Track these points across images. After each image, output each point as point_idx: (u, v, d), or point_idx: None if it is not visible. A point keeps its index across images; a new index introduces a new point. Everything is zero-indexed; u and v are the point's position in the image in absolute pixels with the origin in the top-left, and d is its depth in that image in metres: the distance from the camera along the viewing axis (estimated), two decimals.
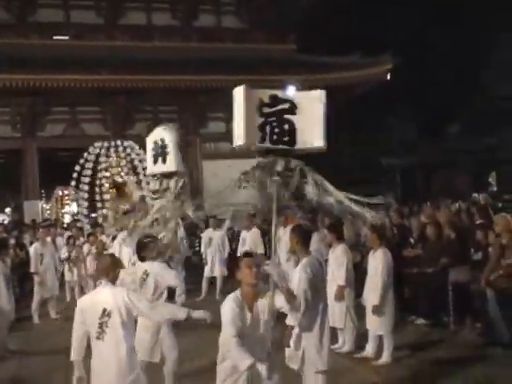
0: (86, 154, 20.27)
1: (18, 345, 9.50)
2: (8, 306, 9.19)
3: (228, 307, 4.54)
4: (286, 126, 4.53)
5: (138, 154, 20.26)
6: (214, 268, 13.55)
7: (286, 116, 4.52)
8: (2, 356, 8.96)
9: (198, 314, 4.91)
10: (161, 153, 7.05)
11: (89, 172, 20.17)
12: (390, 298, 7.91)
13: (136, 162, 20.18)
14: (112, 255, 5.67)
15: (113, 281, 5.01)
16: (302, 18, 26.99)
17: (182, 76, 22.81)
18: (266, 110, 4.46)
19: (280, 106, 4.51)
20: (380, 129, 31.34)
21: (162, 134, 7.13)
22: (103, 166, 20.47)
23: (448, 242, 9.73)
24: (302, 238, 5.99)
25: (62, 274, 14.21)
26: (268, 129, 4.44)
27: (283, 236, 11.62)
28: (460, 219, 11.47)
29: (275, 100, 4.53)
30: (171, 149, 6.93)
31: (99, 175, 20.44)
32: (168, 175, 7.10)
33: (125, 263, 11.35)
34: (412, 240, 10.67)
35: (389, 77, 24.81)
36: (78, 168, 20.08)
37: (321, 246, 10.03)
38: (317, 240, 10.25)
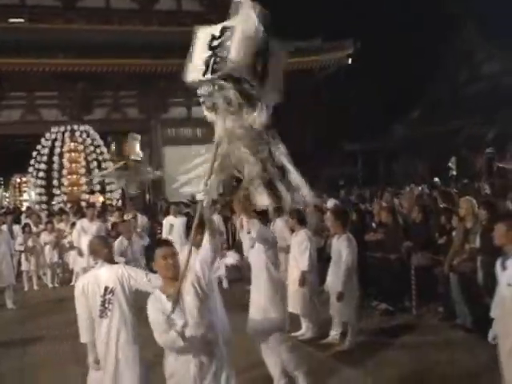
0: (42, 140, 19.87)
1: None
2: None
3: (150, 310, 4.05)
4: (225, 53, 3.84)
5: (93, 139, 19.94)
6: None
7: (228, 43, 3.87)
8: None
9: None
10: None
11: (45, 158, 19.80)
12: (354, 283, 7.83)
13: (91, 148, 19.88)
14: (99, 236, 5.66)
15: (107, 259, 5.10)
16: (263, 1, 26.76)
17: (142, 60, 22.44)
18: (215, 42, 3.98)
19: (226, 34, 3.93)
20: (342, 114, 31.42)
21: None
22: (60, 151, 20.13)
23: (412, 226, 9.73)
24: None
25: (19, 264, 13.89)
26: (212, 60, 3.90)
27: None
28: (424, 203, 11.49)
29: (224, 31, 3.97)
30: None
31: (56, 161, 20.09)
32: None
33: (84, 251, 11.18)
34: (374, 225, 10.66)
35: (350, 61, 24.83)
36: (34, 154, 19.69)
37: (284, 231, 9.90)
38: (280, 225, 10.15)
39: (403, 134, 31.78)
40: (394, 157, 33.03)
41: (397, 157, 32.91)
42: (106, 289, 4.89)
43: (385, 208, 10.60)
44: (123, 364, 4.91)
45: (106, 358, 4.94)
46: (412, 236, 9.44)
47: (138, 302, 4.99)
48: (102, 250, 5.14)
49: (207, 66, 3.88)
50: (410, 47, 31.78)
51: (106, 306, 4.89)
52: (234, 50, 3.77)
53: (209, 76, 3.88)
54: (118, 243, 9.65)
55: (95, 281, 4.98)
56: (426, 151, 30.47)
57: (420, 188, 15.21)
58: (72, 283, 13.07)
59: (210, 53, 3.91)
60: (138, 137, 19.48)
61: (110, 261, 5.16)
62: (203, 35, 4.06)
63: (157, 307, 3.99)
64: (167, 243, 4.34)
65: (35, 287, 13.51)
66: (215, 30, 4.00)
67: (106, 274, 4.99)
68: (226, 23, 3.98)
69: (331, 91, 29.64)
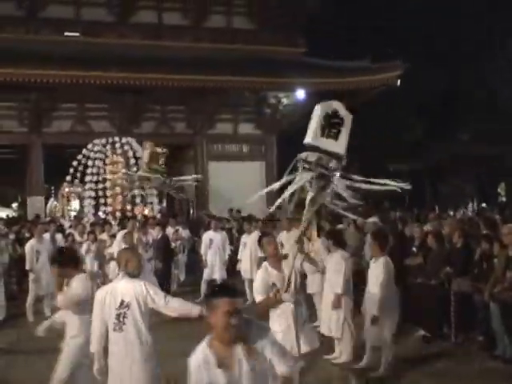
0: (84, 151, 20.21)
1: (8, 343, 9.34)
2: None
3: (191, 367, 3.23)
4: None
5: (135, 152, 20.16)
6: (213, 270, 13.33)
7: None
8: None
9: None
10: (332, 126, 5.53)
11: (90, 169, 20.09)
12: (391, 308, 7.63)
13: (132, 160, 20.08)
14: (132, 249, 5.63)
15: (130, 273, 5.05)
16: (312, 22, 26.86)
17: (191, 76, 22.66)
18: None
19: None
20: (387, 134, 31.11)
21: (336, 107, 5.60)
22: (103, 162, 20.42)
23: (453, 251, 9.49)
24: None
25: None
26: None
27: (286, 241, 11.39)
28: (465, 228, 11.21)
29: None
30: (345, 128, 5.57)
31: (101, 172, 20.38)
32: (328, 154, 5.44)
33: None
34: (414, 249, 10.43)
35: (399, 83, 24.58)
36: (75, 164, 20.04)
37: (322, 252, 9.79)
38: (317, 246, 10.05)
39: (451, 155, 31.19)
40: (441, 178, 32.45)
41: (444, 178, 32.31)
42: (121, 302, 4.88)
43: (432, 232, 10.36)
44: (136, 381, 4.91)
45: (122, 374, 4.93)
46: (452, 261, 9.19)
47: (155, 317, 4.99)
48: (128, 263, 5.11)
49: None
50: (457, 66, 31.33)
51: (121, 320, 4.88)
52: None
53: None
54: None
55: (113, 293, 4.99)
56: (473, 174, 29.83)
57: (462, 212, 14.83)
58: None
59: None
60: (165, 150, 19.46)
61: (134, 275, 5.09)
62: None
63: (200, 377, 3.17)
64: (233, 292, 3.23)
65: None
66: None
67: (124, 288, 4.98)
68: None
69: (376, 110, 29.39)
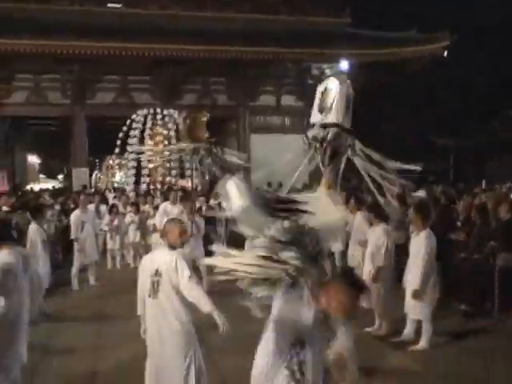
0: (129, 122, 20.35)
1: (54, 310, 9.56)
2: (44, 270, 9.23)
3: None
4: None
5: (176, 124, 20.16)
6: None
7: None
8: (37, 321, 9.02)
9: (218, 317, 4.84)
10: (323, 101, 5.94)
11: (134, 140, 20.23)
12: (432, 282, 7.54)
13: (171, 132, 20.11)
14: (175, 220, 5.62)
15: (170, 244, 5.12)
16: None
17: (234, 47, 22.54)
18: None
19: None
20: (437, 108, 30.50)
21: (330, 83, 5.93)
22: (148, 133, 20.54)
23: (498, 225, 9.30)
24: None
25: (104, 242, 14.32)
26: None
27: None
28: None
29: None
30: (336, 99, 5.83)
31: (145, 143, 20.51)
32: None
33: None
34: (459, 223, 10.25)
35: (445, 54, 24.02)
36: (121, 135, 20.19)
37: (363, 225, 9.71)
38: (360, 219, 9.97)
39: (501, 132, 30.39)
40: (489, 155, 31.69)
41: (492, 156, 31.56)
42: (156, 271, 5.00)
43: (476, 206, 10.16)
44: (168, 351, 5.01)
45: (153, 338, 5.09)
46: (498, 235, 9.00)
47: None
48: (169, 234, 5.17)
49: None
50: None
51: (155, 287, 5.01)
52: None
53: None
54: None
55: (151, 261, 5.15)
56: None
57: (508, 186, 14.46)
58: None
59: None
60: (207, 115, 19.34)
61: (174, 246, 5.15)
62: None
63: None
64: (357, 280, 3.26)
65: (118, 266, 13.92)
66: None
67: (160, 257, 5.12)
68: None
69: (425, 83, 28.80)
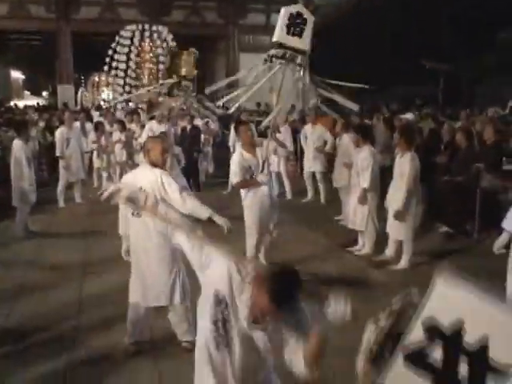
0: (117, 38, 19.93)
1: (40, 227, 9.64)
2: (30, 187, 9.22)
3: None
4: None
5: (166, 41, 19.80)
6: None
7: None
8: (23, 237, 9.12)
9: (219, 218, 4.88)
10: (297, 25, 6.72)
11: (122, 57, 19.86)
12: (414, 204, 7.64)
13: (159, 50, 19.76)
14: (159, 138, 5.58)
15: (152, 162, 5.10)
16: None
17: None
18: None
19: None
20: (426, 30, 29.91)
21: (301, 9, 6.75)
22: (136, 50, 20.16)
23: (482, 148, 9.34)
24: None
25: (91, 161, 14.26)
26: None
27: (312, 134, 11.33)
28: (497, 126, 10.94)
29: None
30: (308, 27, 6.67)
31: (132, 60, 20.15)
32: (294, 50, 6.75)
33: None
34: (442, 146, 10.27)
35: None
36: (110, 52, 19.81)
37: (350, 147, 9.73)
38: (346, 141, 9.97)
39: (492, 57, 29.96)
40: (480, 79, 31.36)
41: (482, 80, 31.22)
42: (139, 189, 4.91)
43: (461, 129, 10.15)
44: (154, 266, 5.08)
45: (138, 256, 5.14)
46: (482, 158, 9.05)
47: None
48: (151, 151, 5.12)
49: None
50: None
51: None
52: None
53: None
54: None
55: (134, 179, 5.06)
56: None
57: (493, 110, 14.40)
58: None
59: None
60: (196, 53, 19.04)
61: (155, 164, 5.09)
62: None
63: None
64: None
65: (104, 184, 13.89)
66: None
67: (142, 174, 5.06)
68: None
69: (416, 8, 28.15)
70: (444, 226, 9.39)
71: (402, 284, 7.04)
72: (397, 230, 7.71)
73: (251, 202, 6.95)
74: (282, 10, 6.42)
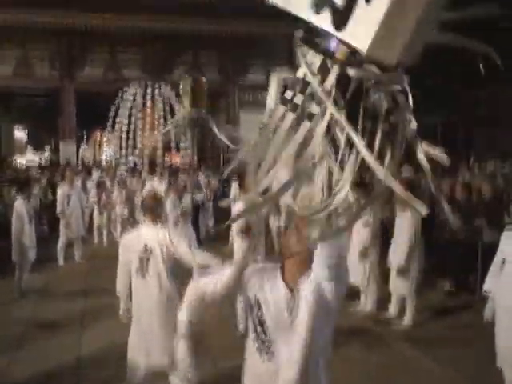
0: (120, 96, 20.20)
1: (39, 284, 9.58)
2: (30, 245, 9.21)
3: (253, 269, 3.08)
4: None
5: (168, 98, 20.06)
6: None
7: None
8: (22, 294, 9.05)
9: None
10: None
11: (124, 114, 20.08)
12: (416, 259, 7.61)
13: (162, 106, 20.03)
14: (156, 195, 5.49)
15: (154, 220, 5.04)
16: None
17: (224, 22, 22.38)
18: None
19: None
20: (419, 83, 30.35)
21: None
22: (138, 108, 20.38)
23: (484, 203, 9.35)
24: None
25: (91, 218, 14.27)
26: None
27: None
28: (496, 179, 10.99)
29: None
30: None
31: (134, 117, 20.36)
32: None
33: None
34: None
35: None
36: (112, 110, 20.04)
37: None
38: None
39: (486, 105, 30.29)
40: (476, 129, 31.63)
41: (479, 129, 31.49)
42: (145, 247, 4.87)
43: (460, 184, 10.19)
44: (156, 327, 4.93)
45: (142, 318, 4.98)
46: (483, 213, 9.06)
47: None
48: (152, 209, 5.07)
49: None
50: None
51: (144, 264, 4.89)
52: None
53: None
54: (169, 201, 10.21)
55: (137, 238, 4.99)
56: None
57: (493, 163, 14.51)
58: None
59: None
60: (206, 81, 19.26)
61: (156, 221, 5.06)
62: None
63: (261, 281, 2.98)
64: None
65: (104, 242, 13.87)
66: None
67: (147, 233, 4.97)
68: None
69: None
70: (446, 282, 9.32)
71: (404, 341, 6.96)
72: (400, 287, 7.66)
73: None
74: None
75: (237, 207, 6.89)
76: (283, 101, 2.32)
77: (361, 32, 2.06)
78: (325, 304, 2.78)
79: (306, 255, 2.79)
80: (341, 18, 2.10)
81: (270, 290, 2.93)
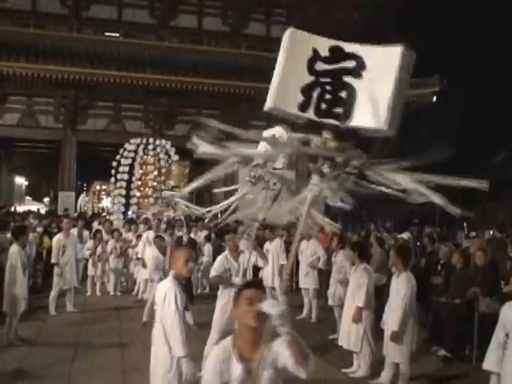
0: (122, 150, 20.45)
1: (29, 334, 9.43)
2: (21, 295, 9.11)
3: (211, 358, 3.13)
4: (344, 94, 2.92)
5: (167, 155, 20.39)
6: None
7: (347, 79, 2.91)
8: (11, 343, 8.91)
9: (188, 365, 4.72)
10: None
11: (125, 169, 20.32)
12: (411, 325, 7.53)
13: (162, 162, 20.31)
14: (186, 250, 5.40)
15: (175, 274, 5.03)
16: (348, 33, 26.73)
17: (227, 81, 22.80)
18: (321, 66, 2.92)
19: (342, 64, 2.93)
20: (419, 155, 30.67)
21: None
22: (139, 163, 20.62)
23: (479, 271, 9.31)
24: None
25: (86, 268, 14.18)
26: (316, 93, 2.91)
27: (306, 250, 11.33)
28: (492, 249, 10.98)
29: (338, 54, 2.93)
30: None
31: (135, 172, 20.60)
32: None
33: (147, 263, 11.37)
34: (439, 267, 10.25)
35: (435, 99, 24.35)
36: (114, 164, 20.27)
37: (346, 265, 9.72)
38: (342, 258, 9.99)
39: (485, 178, 30.52)
40: (474, 202, 31.83)
41: (476, 201, 31.67)
42: (156, 300, 4.98)
43: (458, 251, 10.18)
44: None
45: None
46: (478, 281, 9.01)
47: None
48: (174, 263, 5.17)
49: (309, 98, 2.89)
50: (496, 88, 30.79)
51: (155, 316, 5.02)
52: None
53: (312, 116, 2.88)
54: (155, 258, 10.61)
55: (156, 290, 5.11)
56: (508, 198, 29.24)
57: (491, 232, 14.57)
58: (133, 293, 13.26)
59: (311, 78, 2.88)
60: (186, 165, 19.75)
61: (178, 275, 5.05)
62: (299, 46, 2.98)
63: (218, 366, 3.06)
64: (256, 285, 3.33)
65: (98, 293, 13.73)
66: (320, 43, 2.96)
67: (160, 287, 5.04)
68: (338, 42, 2.95)
69: (407, 130, 29.02)
70: (442, 350, 9.19)
71: None
72: (393, 352, 7.53)
73: (222, 302, 7.36)
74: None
75: None
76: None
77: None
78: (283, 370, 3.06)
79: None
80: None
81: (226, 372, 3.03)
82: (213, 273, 7.59)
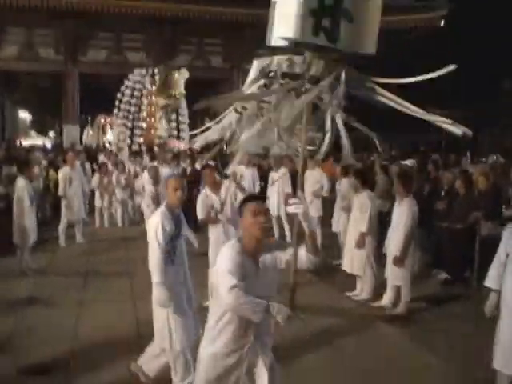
0: (125, 81, 20.28)
1: (39, 264, 9.64)
2: (31, 226, 9.27)
3: (226, 255, 3.39)
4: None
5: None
6: None
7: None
8: (23, 273, 9.13)
9: (159, 291, 4.80)
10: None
11: (127, 100, 20.20)
12: (412, 249, 7.67)
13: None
14: (175, 179, 5.27)
15: (165, 204, 5.08)
16: None
17: (229, 8, 22.33)
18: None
19: None
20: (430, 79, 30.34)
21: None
22: (141, 93, 20.47)
23: (481, 196, 9.38)
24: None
25: (93, 200, 14.32)
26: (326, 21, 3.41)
27: (309, 177, 11.33)
28: (496, 174, 10.99)
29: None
30: None
31: (137, 103, 20.48)
32: None
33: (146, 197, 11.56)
34: (442, 192, 10.31)
35: (442, 23, 23.80)
36: (118, 95, 20.14)
37: (349, 192, 9.79)
38: (346, 185, 10.05)
39: (492, 106, 30.32)
40: (481, 128, 31.70)
41: (484, 128, 31.53)
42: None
43: (461, 176, 10.19)
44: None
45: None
46: (481, 205, 9.08)
47: None
48: (167, 192, 5.11)
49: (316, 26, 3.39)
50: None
51: None
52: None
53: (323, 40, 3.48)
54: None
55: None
56: None
57: (494, 157, 14.53)
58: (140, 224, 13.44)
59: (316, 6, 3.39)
60: (186, 73, 19.65)
61: (171, 205, 5.07)
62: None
63: (237, 260, 3.35)
64: (259, 199, 3.76)
65: (106, 224, 13.94)
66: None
67: (150, 219, 5.09)
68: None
69: (418, 54, 28.58)
70: (443, 273, 9.37)
71: (397, 329, 7.02)
72: (395, 276, 7.70)
73: (214, 238, 7.31)
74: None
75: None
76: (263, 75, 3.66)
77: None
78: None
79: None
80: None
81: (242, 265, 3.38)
82: (199, 216, 7.32)
